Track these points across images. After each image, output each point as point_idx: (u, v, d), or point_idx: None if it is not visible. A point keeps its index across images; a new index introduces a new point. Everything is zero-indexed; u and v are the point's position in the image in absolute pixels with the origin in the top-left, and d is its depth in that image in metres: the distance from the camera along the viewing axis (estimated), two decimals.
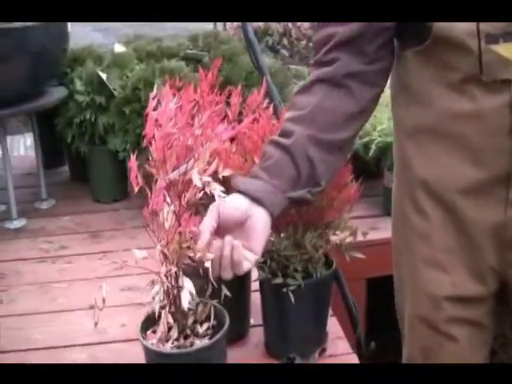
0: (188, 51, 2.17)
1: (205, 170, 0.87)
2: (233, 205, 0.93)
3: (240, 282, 1.28)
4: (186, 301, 0.95)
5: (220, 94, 1.15)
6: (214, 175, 0.97)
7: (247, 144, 1.12)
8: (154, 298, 1.02)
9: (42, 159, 2.37)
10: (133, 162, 0.85)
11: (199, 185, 0.86)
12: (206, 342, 1.01)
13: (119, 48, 2.26)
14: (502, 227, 0.99)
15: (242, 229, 0.94)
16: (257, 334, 1.36)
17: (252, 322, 1.40)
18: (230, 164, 1.07)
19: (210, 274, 0.92)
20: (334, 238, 1.17)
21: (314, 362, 1.27)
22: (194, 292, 0.94)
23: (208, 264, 0.92)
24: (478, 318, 1.06)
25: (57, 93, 2.04)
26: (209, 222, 0.92)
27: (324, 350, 1.30)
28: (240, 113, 1.21)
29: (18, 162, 2.72)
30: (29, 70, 1.86)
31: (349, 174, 1.19)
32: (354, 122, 1.00)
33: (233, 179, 0.94)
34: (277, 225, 1.13)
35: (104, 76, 1.98)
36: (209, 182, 0.86)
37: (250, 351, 1.33)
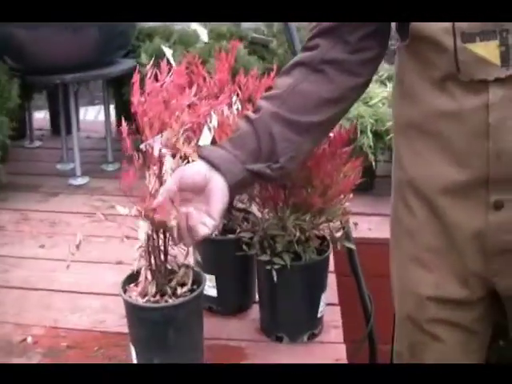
0: (255, 35, 2.23)
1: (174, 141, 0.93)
2: (193, 169, 0.98)
3: (246, 258, 1.34)
4: (141, 236, 1.02)
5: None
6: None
7: None
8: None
9: (117, 125, 2.53)
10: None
11: (156, 154, 0.92)
12: (174, 301, 1.08)
13: (194, 27, 2.36)
14: (483, 233, 0.97)
15: (203, 193, 0.98)
16: (257, 310, 1.41)
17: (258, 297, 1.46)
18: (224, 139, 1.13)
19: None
20: (323, 226, 1.20)
21: (301, 344, 1.31)
22: (145, 234, 1.00)
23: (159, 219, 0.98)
24: (465, 322, 1.04)
25: (125, 64, 2.19)
26: (168, 184, 0.98)
27: (314, 335, 1.33)
28: None
29: (99, 127, 2.91)
30: (97, 40, 2.01)
31: (354, 167, 1.21)
32: (327, 107, 1.01)
33: (200, 148, 1.00)
34: (262, 201, 1.18)
35: (169, 52, 2.08)
36: (164, 153, 0.93)
37: (244, 325, 1.38)
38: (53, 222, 1.95)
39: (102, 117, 3.93)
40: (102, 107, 3.45)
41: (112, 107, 2.86)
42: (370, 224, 1.98)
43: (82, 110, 3.86)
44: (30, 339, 1.32)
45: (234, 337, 1.34)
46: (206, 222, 0.96)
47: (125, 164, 0.97)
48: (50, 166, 2.46)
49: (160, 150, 0.92)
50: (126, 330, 1.21)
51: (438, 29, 0.90)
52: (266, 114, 1.00)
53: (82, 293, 1.53)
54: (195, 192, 0.98)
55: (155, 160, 0.94)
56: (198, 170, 0.98)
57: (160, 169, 0.96)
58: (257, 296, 1.45)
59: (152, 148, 0.95)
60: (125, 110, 2.47)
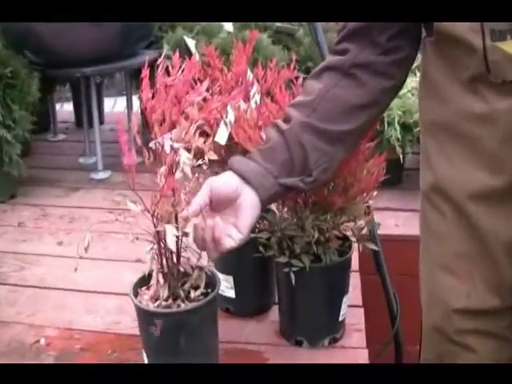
0: (280, 25, 2.16)
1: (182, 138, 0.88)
2: (223, 181, 0.95)
3: (265, 258, 1.29)
4: (170, 242, 0.96)
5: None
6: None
7: (266, 119, 1.12)
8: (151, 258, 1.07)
9: (143, 118, 2.50)
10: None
11: (167, 150, 0.88)
12: (187, 305, 1.03)
13: None
14: None
15: (233, 206, 0.95)
16: (277, 312, 1.36)
17: None
18: (241, 135, 1.08)
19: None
20: (347, 225, 1.14)
21: (321, 349, 1.25)
22: (175, 235, 0.95)
23: (189, 230, 0.94)
24: (496, 330, 0.98)
25: (147, 55, 2.14)
26: (200, 196, 0.94)
27: (336, 339, 1.27)
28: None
29: (125, 119, 2.89)
30: (117, 32, 1.97)
31: (377, 163, 1.15)
32: (359, 113, 0.96)
33: (230, 158, 0.96)
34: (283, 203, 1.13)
35: (192, 42, 2.04)
36: (177, 149, 0.88)
37: (264, 327, 1.33)
38: (72, 217, 1.92)
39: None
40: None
41: (135, 98, 2.84)
42: (397, 220, 1.91)
43: (110, 101, 3.85)
44: (42, 341, 1.29)
45: (253, 340, 1.29)
46: (232, 235, 0.93)
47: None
48: (72, 160, 2.45)
49: (171, 147, 0.87)
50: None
51: (464, 27, 0.83)
52: (296, 125, 0.95)
53: (97, 292, 1.50)
54: (224, 204, 0.95)
55: (165, 158, 0.89)
56: (228, 182, 0.95)
57: (171, 167, 0.91)
58: (277, 297, 1.40)
59: (162, 146, 0.90)
60: None
